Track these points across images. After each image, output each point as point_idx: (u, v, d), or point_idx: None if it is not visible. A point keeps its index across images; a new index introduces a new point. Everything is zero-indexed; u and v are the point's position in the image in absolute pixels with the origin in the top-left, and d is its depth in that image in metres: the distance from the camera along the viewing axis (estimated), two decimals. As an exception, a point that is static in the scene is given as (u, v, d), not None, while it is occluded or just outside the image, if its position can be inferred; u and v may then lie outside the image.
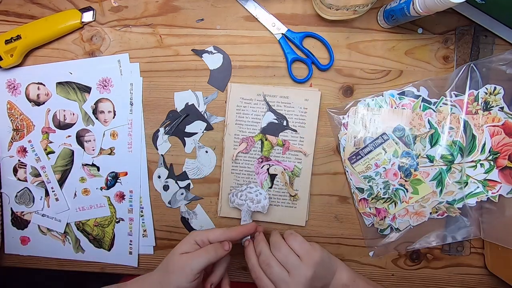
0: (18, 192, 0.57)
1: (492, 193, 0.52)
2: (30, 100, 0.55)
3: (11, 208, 0.57)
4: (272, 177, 0.54)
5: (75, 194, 0.56)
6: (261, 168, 0.54)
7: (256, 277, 0.45)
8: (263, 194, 0.53)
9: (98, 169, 0.56)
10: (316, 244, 0.46)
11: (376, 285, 0.50)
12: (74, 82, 0.55)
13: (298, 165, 0.53)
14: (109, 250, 0.57)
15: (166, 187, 0.56)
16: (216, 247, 0.45)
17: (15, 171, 0.56)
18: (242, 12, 0.53)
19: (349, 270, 0.47)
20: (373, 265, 0.56)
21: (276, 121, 0.53)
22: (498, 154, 0.52)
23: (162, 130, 0.55)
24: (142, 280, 0.46)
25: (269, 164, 0.54)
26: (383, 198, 0.53)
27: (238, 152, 0.54)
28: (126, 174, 0.56)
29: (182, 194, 0.56)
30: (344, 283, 0.46)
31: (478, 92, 0.51)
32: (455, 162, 0.52)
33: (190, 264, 0.43)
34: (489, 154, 0.52)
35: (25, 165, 0.56)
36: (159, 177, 0.56)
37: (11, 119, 0.55)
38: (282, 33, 0.53)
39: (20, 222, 0.57)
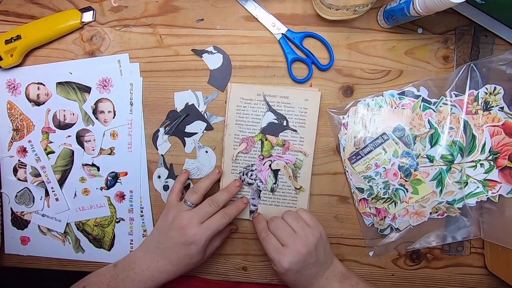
0: (18, 192, 0.57)
1: (492, 193, 0.52)
2: (30, 100, 0.55)
3: (11, 208, 0.57)
4: (275, 172, 0.54)
5: (75, 194, 0.56)
6: (263, 165, 0.54)
7: (264, 236, 0.48)
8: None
9: (98, 169, 0.56)
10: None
11: (367, 282, 0.51)
12: (74, 82, 0.55)
13: (299, 157, 0.53)
14: (109, 250, 0.57)
15: (166, 187, 0.56)
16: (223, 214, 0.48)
17: (15, 171, 0.56)
18: (242, 12, 0.53)
19: (343, 264, 0.50)
20: (373, 265, 0.56)
21: (276, 121, 0.53)
22: (498, 154, 0.52)
23: (162, 130, 0.55)
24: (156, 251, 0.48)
25: (271, 160, 0.54)
26: (383, 198, 0.53)
27: (238, 152, 0.54)
28: (126, 174, 0.56)
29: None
30: (342, 272, 0.48)
31: (478, 92, 0.51)
32: (455, 162, 0.52)
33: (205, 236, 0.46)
34: (489, 154, 0.52)
35: (25, 165, 0.56)
36: (159, 177, 0.56)
37: (11, 119, 0.55)
38: (282, 33, 0.53)
39: (20, 222, 0.57)
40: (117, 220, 0.57)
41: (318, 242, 0.46)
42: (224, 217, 0.48)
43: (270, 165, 0.54)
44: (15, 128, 0.56)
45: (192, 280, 0.57)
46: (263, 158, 0.54)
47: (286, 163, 0.53)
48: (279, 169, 0.54)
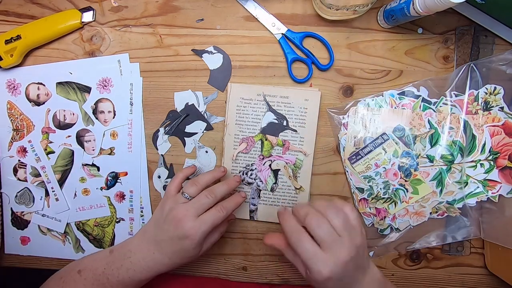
0: (18, 192, 0.57)
1: (492, 193, 0.52)
2: (30, 100, 0.55)
3: (11, 208, 0.57)
4: (275, 172, 0.54)
5: (75, 194, 0.56)
6: (263, 165, 0.54)
7: (298, 239, 0.40)
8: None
9: (98, 169, 0.56)
10: None
11: None
12: (74, 82, 0.55)
13: (299, 157, 0.53)
14: (109, 250, 0.57)
15: (166, 187, 0.56)
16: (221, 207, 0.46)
17: (15, 171, 0.56)
18: (242, 12, 0.53)
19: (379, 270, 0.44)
20: (373, 265, 0.56)
21: (276, 121, 0.53)
22: (498, 154, 0.52)
23: (162, 130, 0.55)
24: (148, 243, 0.47)
25: (271, 160, 0.54)
26: (383, 198, 0.53)
27: (238, 152, 0.54)
28: (126, 174, 0.56)
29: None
30: (380, 278, 0.43)
31: (478, 92, 0.51)
32: (455, 162, 0.52)
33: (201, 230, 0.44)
34: (489, 154, 0.52)
35: (25, 165, 0.56)
36: (159, 177, 0.56)
37: (11, 119, 0.55)
38: (282, 33, 0.53)
39: (20, 222, 0.57)
40: (117, 220, 0.57)
41: (361, 245, 0.40)
42: (221, 210, 0.46)
43: (270, 165, 0.54)
44: (15, 128, 0.56)
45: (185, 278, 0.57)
46: (263, 158, 0.54)
47: (286, 163, 0.53)
48: (279, 169, 0.54)
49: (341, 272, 0.38)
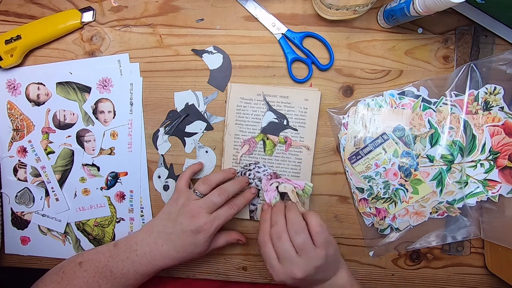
0: (18, 192, 0.57)
1: (492, 193, 0.52)
2: (30, 100, 0.55)
3: (11, 208, 0.57)
4: (282, 195, 0.51)
5: (75, 194, 0.56)
6: (270, 185, 0.51)
7: (263, 242, 0.45)
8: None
9: (98, 169, 0.56)
10: (331, 236, 0.45)
11: None
12: (74, 82, 0.55)
13: (308, 184, 0.51)
14: (109, 250, 0.57)
15: (166, 187, 0.56)
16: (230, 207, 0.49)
17: (15, 171, 0.56)
18: (242, 12, 0.53)
19: (350, 273, 0.46)
20: (373, 265, 0.56)
21: (276, 121, 0.53)
22: (498, 154, 0.52)
23: (162, 130, 0.55)
24: (163, 235, 0.48)
25: (278, 182, 0.51)
26: (383, 198, 0.53)
27: (242, 155, 0.54)
28: (126, 174, 0.56)
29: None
30: (343, 284, 0.45)
31: (478, 92, 0.51)
32: (455, 162, 0.52)
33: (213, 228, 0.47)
34: (489, 154, 0.52)
35: (25, 165, 0.56)
36: (159, 177, 0.56)
37: (11, 119, 0.55)
38: (282, 33, 0.53)
39: (20, 222, 0.57)
40: (117, 220, 0.57)
41: (321, 266, 0.42)
42: (232, 207, 0.49)
43: (277, 187, 0.51)
44: (15, 128, 0.56)
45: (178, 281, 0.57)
46: (270, 178, 0.52)
47: (295, 187, 0.50)
48: (286, 193, 0.50)
49: (293, 283, 0.42)
